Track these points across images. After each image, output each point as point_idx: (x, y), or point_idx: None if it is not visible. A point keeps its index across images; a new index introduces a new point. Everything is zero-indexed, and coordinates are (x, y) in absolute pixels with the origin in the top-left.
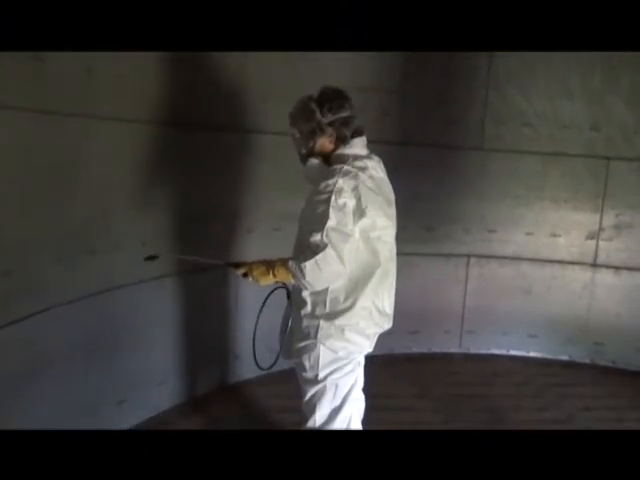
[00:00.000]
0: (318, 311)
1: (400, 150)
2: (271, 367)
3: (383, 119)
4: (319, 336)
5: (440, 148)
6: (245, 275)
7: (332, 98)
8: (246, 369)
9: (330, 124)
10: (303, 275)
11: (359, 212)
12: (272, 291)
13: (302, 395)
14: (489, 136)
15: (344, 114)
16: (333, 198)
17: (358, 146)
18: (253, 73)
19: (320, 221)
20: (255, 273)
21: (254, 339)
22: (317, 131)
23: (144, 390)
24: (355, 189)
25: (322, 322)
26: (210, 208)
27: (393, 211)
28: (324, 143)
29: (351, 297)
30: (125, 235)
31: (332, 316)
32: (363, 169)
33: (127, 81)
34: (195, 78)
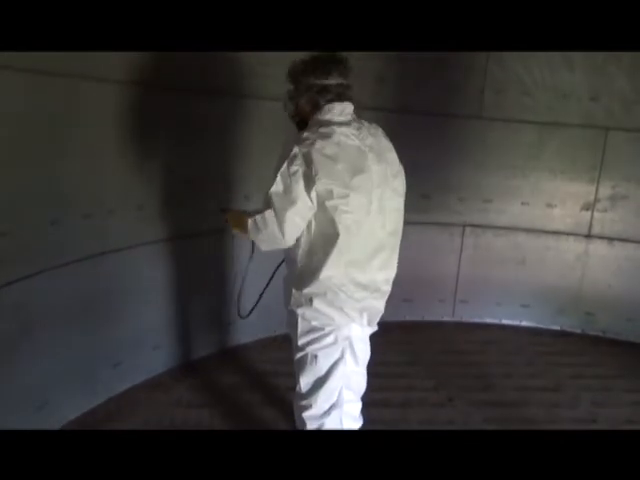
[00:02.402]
0: (290, 279)
1: (398, 117)
2: (247, 316)
3: (381, 86)
4: (291, 303)
5: (438, 116)
6: (227, 221)
7: (323, 63)
8: (242, 334)
9: (308, 88)
10: (248, 232)
11: (309, 179)
12: (277, 267)
13: None
14: (488, 105)
15: (327, 81)
16: (285, 165)
17: (333, 112)
18: None
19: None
20: (231, 221)
21: (240, 290)
22: (296, 94)
23: (139, 353)
24: (307, 155)
25: (294, 290)
26: (207, 173)
27: (370, 182)
28: (303, 107)
29: (317, 266)
30: (119, 199)
31: (301, 285)
32: (326, 136)
33: None
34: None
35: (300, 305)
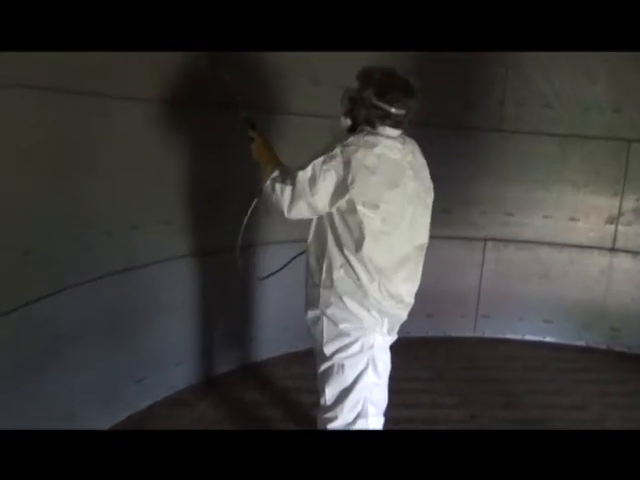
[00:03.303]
0: (317, 279)
1: (418, 131)
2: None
3: None
4: (320, 304)
5: (459, 129)
6: (251, 139)
7: (395, 90)
8: (263, 350)
9: (371, 107)
10: (264, 186)
11: (342, 186)
12: (298, 255)
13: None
14: (508, 117)
15: (391, 109)
16: (322, 159)
17: (383, 134)
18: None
19: (304, 166)
20: (256, 146)
21: (240, 237)
22: (358, 103)
23: (162, 370)
24: (347, 161)
25: (322, 290)
26: (228, 187)
27: (403, 197)
28: (359, 116)
29: (342, 266)
30: (143, 215)
31: (329, 283)
32: (370, 145)
33: (146, 59)
34: (212, 59)
35: (329, 305)
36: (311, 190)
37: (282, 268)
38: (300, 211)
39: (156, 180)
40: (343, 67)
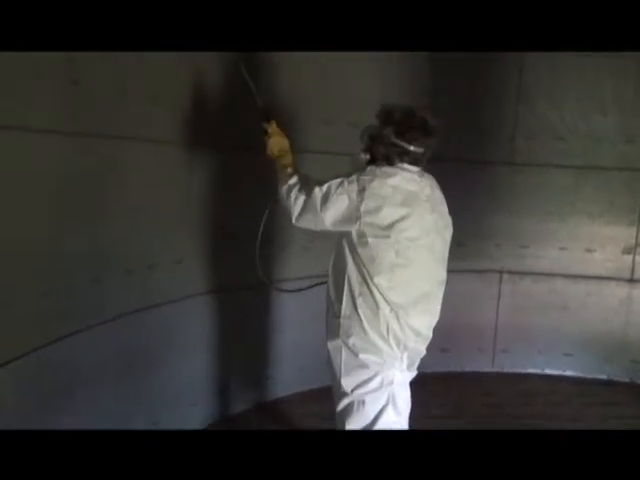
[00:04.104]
0: (337, 309)
1: (430, 166)
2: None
3: None
4: (340, 334)
5: (471, 163)
6: (266, 133)
7: (414, 129)
8: (280, 388)
9: (390, 144)
10: (280, 189)
11: (353, 213)
12: (314, 285)
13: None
14: (520, 150)
15: (410, 147)
16: (339, 180)
17: (401, 170)
18: (286, 91)
19: (324, 183)
20: (273, 143)
21: (257, 253)
22: (377, 140)
23: (176, 411)
24: (362, 189)
25: (342, 320)
26: (243, 227)
27: (420, 229)
28: (377, 153)
29: (361, 294)
30: (159, 254)
31: (349, 313)
32: (387, 175)
33: (161, 102)
34: (229, 99)
35: (350, 335)
36: (321, 207)
37: (304, 289)
38: (306, 223)
39: (173, 219)
40: (352, 107)
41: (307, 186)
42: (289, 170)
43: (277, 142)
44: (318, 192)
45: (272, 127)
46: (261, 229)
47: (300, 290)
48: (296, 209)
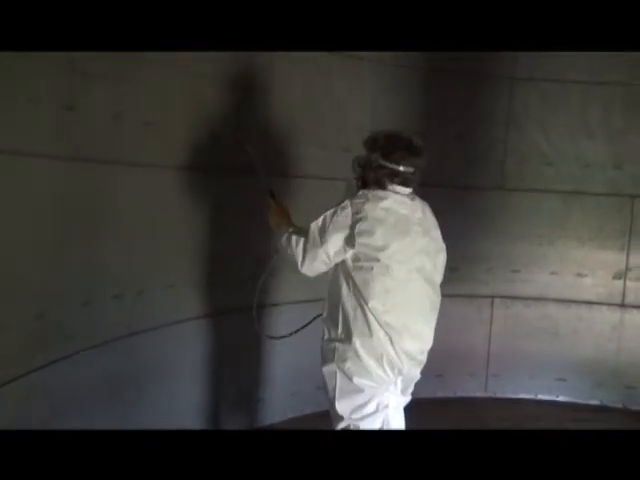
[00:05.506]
0: (333, 333)
1: (420, 191)
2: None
3: None
4: (335, 359)
5: (461, 188)
6: (269, 207)
7: (400, 149)
8: (271, 414)
9: (379, 167)
10: (280, 240)
11: (349, 237)
12: (313, 319)
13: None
14: (510, 175)
15: (398, 167)
16: (332, 210)
17: (393, 192)
18: (279, 116)
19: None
20: (272, 211)
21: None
22: (366, 167)
23: None
24: (355, 213)
25: (337, 344)
26: (236, 252)
27: (411, 252)
28: (368, 178)
29: (356, 319)
30: (149, 279)
31: (344, 337)
32: (379, 199)
33: (156, 128)
34: (223, 125)
35: (345, 359)
36: (321, 239)
37: (296, 332)
38: (313, 263)
39: (161, 244)
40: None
41: (304, 231)
42: (285, 226)
43: (277, 212)
44: (314, 226)
45: (273, 204)
46: (262, 279)
47: (291, 335)
48: (299, 252)
